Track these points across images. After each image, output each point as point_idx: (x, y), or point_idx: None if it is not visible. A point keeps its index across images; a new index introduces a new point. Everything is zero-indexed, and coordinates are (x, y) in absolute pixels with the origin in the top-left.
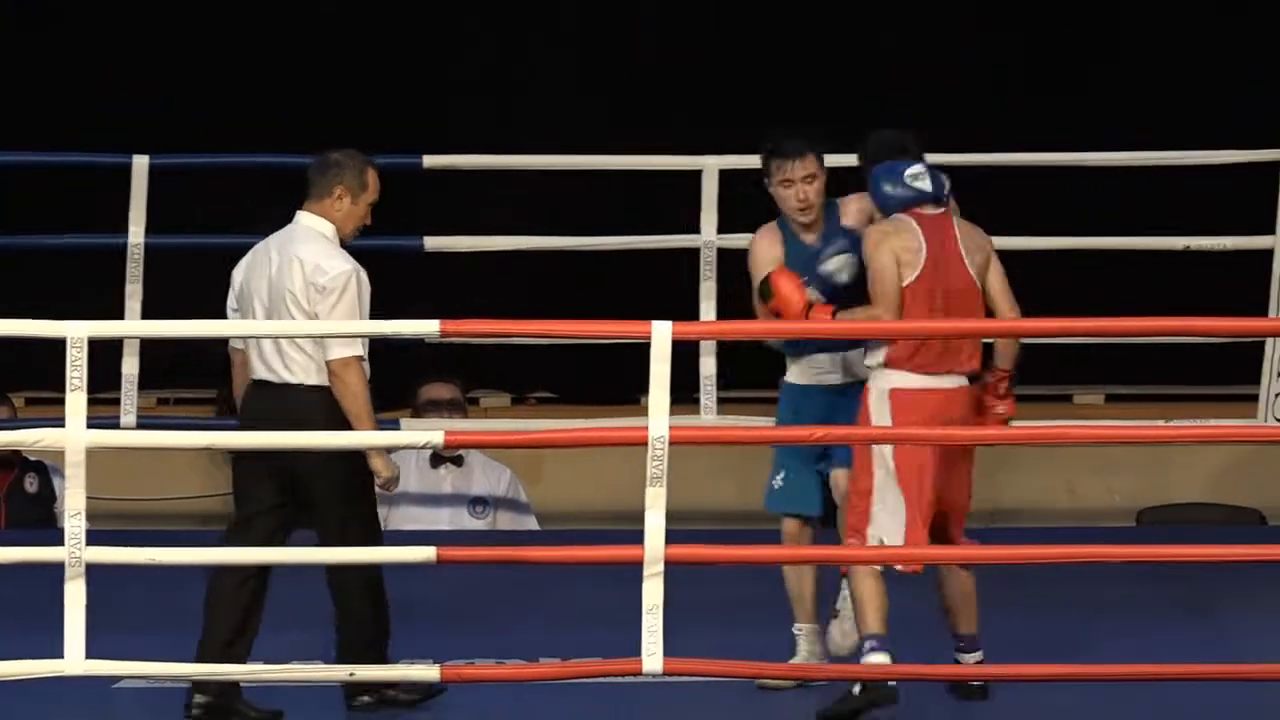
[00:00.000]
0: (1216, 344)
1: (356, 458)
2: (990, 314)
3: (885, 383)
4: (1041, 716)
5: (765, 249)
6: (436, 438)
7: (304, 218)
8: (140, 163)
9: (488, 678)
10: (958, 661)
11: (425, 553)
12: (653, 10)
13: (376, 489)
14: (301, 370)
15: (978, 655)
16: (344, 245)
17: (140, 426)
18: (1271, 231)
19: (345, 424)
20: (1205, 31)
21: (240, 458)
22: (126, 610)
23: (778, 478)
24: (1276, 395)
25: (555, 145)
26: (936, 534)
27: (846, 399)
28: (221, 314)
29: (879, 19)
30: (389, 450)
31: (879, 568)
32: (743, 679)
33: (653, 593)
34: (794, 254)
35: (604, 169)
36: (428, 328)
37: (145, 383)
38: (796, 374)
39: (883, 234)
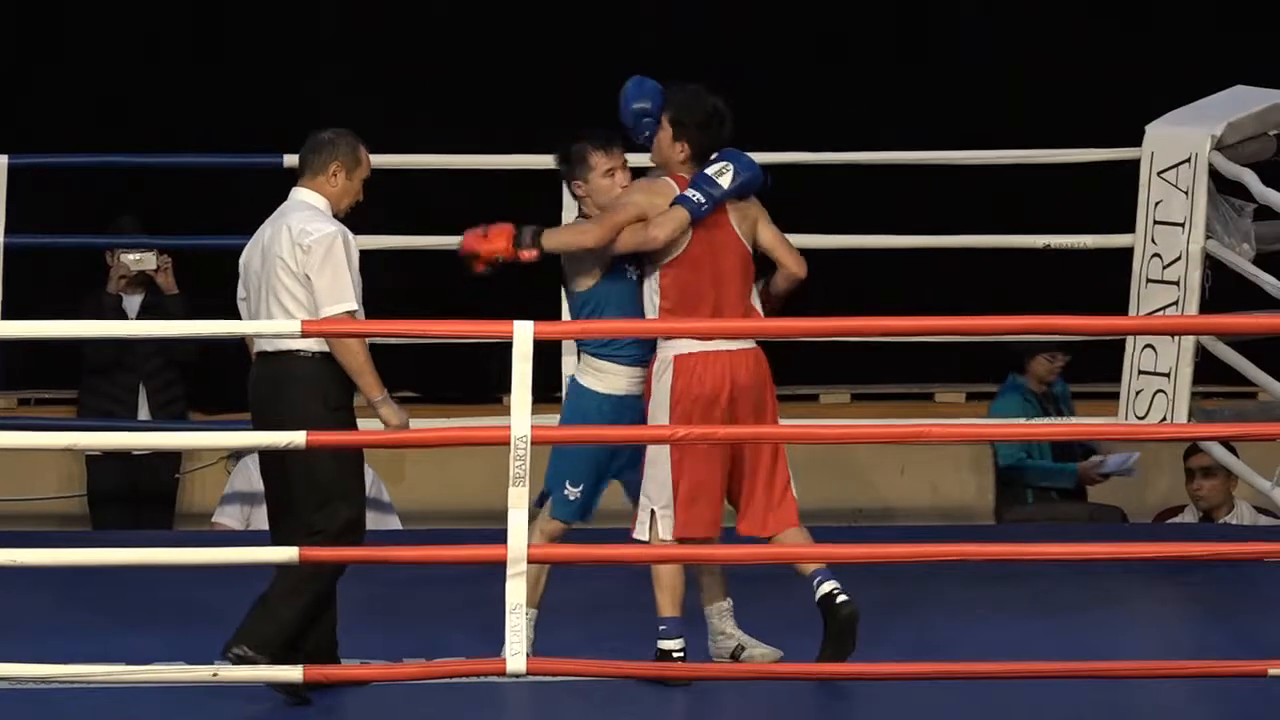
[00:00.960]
0: (1077, 342)
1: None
2: (773, 267)
3: (669, 350)
4: (900, 714)
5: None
6: (298, 438)
7: (298, 192)
8: None
9: (351, 678)
10: (820, 589)
11: (288, 553)
12: (523, 10)
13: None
14: (297, 338)
15: (833, 582)
16: (338, 218)
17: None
18: (1131, 230)
19: (343, 389)
20: (1066, 30)
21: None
22: None
23: (574, 489)
24: (1137, 393)
25: (426, 145)
26: (749, 514)
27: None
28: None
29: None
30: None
31: (657, 539)
32: (606, 677)
33: (515, 592)
34: None
35: (470, 168)
36: (289, 327)
37: (5, 383)
38: (607, 383)
39: (650, 190)
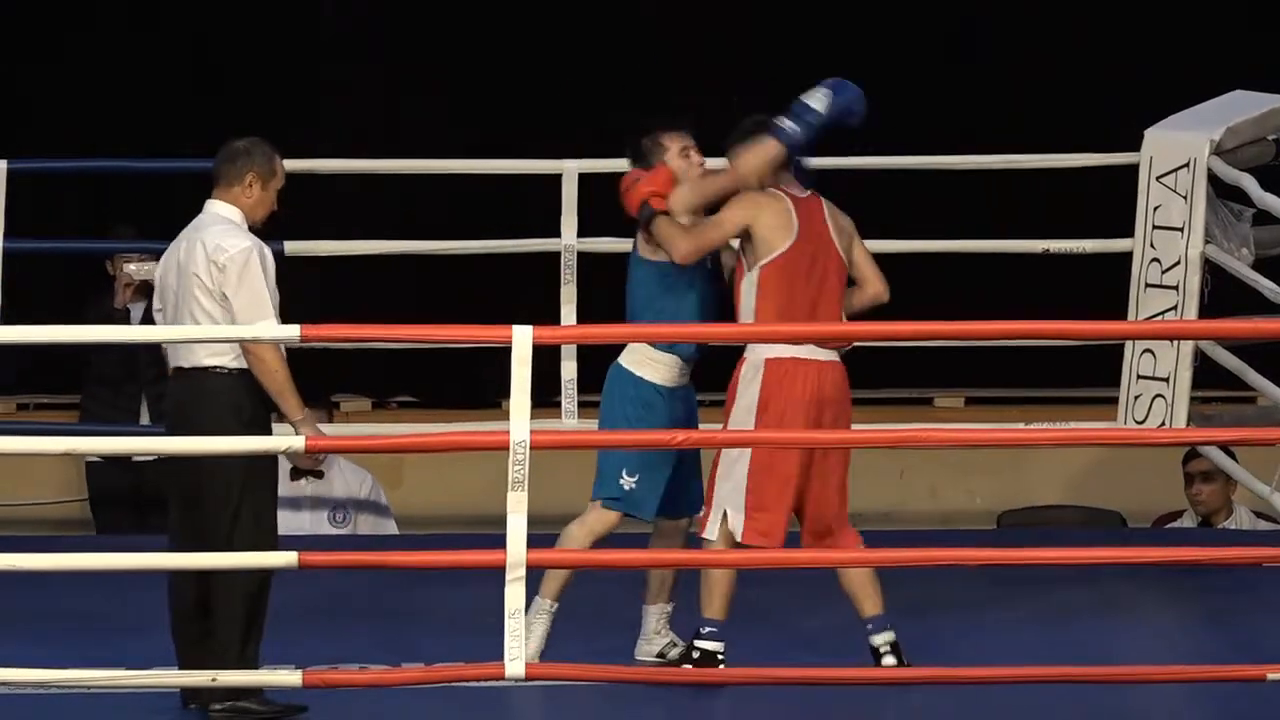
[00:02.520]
0: (1076, 347)
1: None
2: (857, 285)
3: (760, 354)
4: (898, 718)
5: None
6: (298, 443)
7: (213, 205)
8: None
9: (350, 683)
10: (870, 641)
11: (287, 557)
12: (512, 14)
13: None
14: (213, 353)
15: (888, 635)
16: (252, 230)
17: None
18: (1130, 234)
19: (260, 405)
20: (1066, 35)
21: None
22: None
23: (631, 479)
24: (1136, 398)
25: (418, 149)
26: (814, 526)
27: (692, 397)
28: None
29: (728, 20)
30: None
31: (729, 539)
32: (605, 682)
33: (515, 597)
34: None
35: (466, 173)
36: (288, 332)
37: (4, 389)
38: (654, 373)
39: (754, 202)
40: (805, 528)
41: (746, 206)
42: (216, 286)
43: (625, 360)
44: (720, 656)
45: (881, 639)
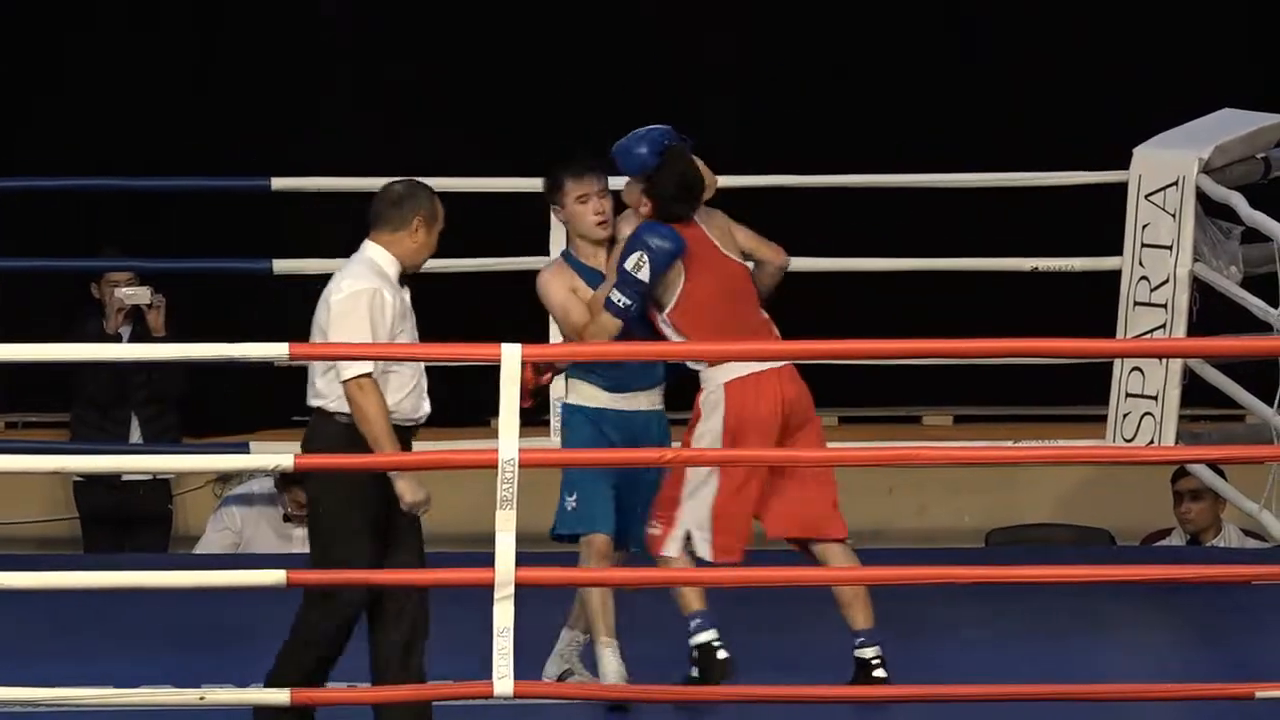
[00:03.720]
0: (1065, 365)
1: (357, 487)
2: (759, 264)
3: (719, 377)
4: None
5: (560, 283)
6: (286, 461)
7: (367, 247)
8: None
9: (339, 700)
10: (857, 656)
11: (275, 576)
12: (508, 33)
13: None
14: (323, 396)
15: (875, 650)
16: (405, 275)
17: None
18: (1118, 253)
19: (363, 451)
20: (1053, 53)
21: None
22: None
23: (571, 499)
24: (1125, 416)
25: (408, 167)
26: (802, 525)
27: (650, 423)
28: None
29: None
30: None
31: (688, 556)
32: (593, 700)
33: (503, 615)
34: (590, 281)
35: (454, 190)
36: (277, 351)
37: None
38: (596, 398)
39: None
40: (793, 527)
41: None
42: (325, 326)
43: (567, 396)
44: (717, 643)
45: (871, 652)
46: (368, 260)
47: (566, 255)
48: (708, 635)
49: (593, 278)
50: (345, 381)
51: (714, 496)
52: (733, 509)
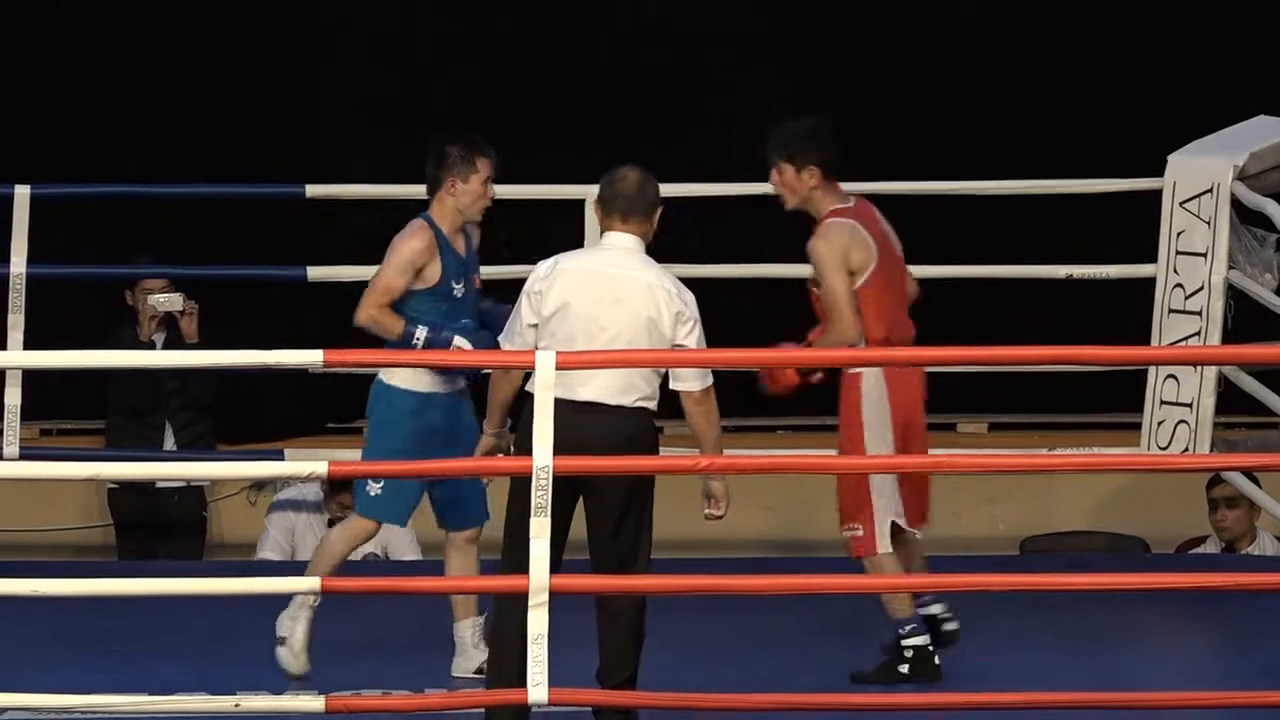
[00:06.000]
0: (1099, 372)
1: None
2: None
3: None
4: None
5: (420, 246)
6: (320, 468)
7: (625, 240)
8: (22, 193)
9: (374, 708)
10: (926, 611)
11: (309, 583)
12: (534, 42)
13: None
14: (645, 396)
15: (942, 606)
16: None
17: (24, 457)
18: (1153, 260)
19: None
20: (1088, 60)
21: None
22: (8, 640)
23: (376, 485)
24: (1159, 424)
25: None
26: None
27: (463, 408)
28: None
29: (745, 38)
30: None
31: (890, 547)
32: (628, 708)
33: (538, 622)
34: (450, 259)
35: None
36: (312, 357)
37: (28, 414)
38: (414, 380)
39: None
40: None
41: (845, 235)
42: (672, 335)
43: (383, 375)
44: (931, 648)
45: (940, 607)
46: (649, 259)
47: (429, 222)
48: (922, 639)
49: (452, 257)
50: (700, 390)
51: (897, 483)
52: (912, 478)
